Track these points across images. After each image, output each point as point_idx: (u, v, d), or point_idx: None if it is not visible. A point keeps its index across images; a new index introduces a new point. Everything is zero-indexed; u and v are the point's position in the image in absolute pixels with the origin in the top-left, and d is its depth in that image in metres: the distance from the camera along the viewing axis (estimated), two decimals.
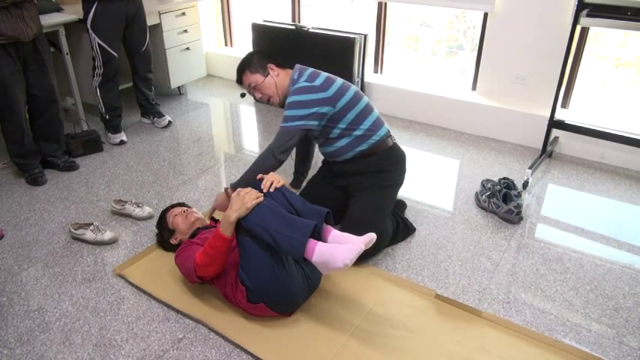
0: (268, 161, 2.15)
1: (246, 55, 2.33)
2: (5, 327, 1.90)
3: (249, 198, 1.75)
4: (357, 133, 2.21)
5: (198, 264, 1.82)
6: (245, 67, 2.27)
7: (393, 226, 2.31)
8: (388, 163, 2.28)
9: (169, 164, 3.11)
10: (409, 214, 2.55)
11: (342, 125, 2.20)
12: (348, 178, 2.31)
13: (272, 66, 2.26)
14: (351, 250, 1.66)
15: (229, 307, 1.94)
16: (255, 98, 2.33)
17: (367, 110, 2.23)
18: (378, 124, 2.25)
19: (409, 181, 2.76)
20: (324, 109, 2.15)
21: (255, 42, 3.92)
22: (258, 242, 1.74)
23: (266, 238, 1.71)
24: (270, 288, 1.77)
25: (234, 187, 2.13)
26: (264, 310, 1.84)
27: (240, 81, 2.32)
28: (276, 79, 2.25)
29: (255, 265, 1.76)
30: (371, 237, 1.74)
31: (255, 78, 2.25)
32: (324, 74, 2.23)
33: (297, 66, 2.28)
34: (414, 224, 2.46)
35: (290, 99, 2.16)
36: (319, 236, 1.77)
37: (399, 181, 2.34)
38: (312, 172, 2.61)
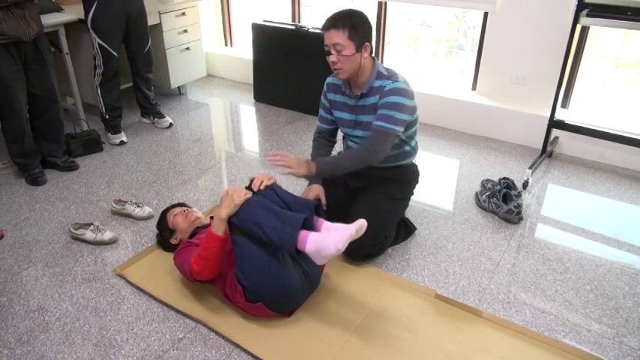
0: (368, 159, 2.09)
1: (358, 13, 2.05)
2: (5, 327, 1.90)
3: (237, 195, 1.77)
4: (407, 148, 2.26)
5: (193, 270, 1.83)
6: (348, 26, 1.99)
7: (395, 228, 2.32)
8: (412, 177, 2.36)
9: (169, 164, 3.11)
10: (409, 214, 2.55)
11: (401, 136, 2.18)
12: (368, 181, 2.30)
13: (368, 46, 2.06)
14: (342, 234, 1.68)
15: (229, 307, 1.94)
16: (326, 52, 2.06)
17: (417, 130, 2.28)
18: (417, 148, 2.34)
19: None
20: (409, 119, 2.13)
21: (255, 42, 3.92)
22: (253, 240, 1.75)
23: (258, 234, 1.72)
24: (267, 285, 1.78)
25: (322, 168, 2.09)
26: (263, 310, 1.84)
27: (329, 28, 2.01)
28: (363, 61, 2.07)
29: (250, 263, 1.76)
30: (361, 223, 1.75)
31: (348, 45, 2.00)
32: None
33: (376, 59, 2.16)
34: (414, 224, 2.46)
35: (394, 99, 2.06)
36: (311, 229, 1.78)
37: (411, 195, 2.42)
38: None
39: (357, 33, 2.01)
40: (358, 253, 2.17)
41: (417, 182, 2.41)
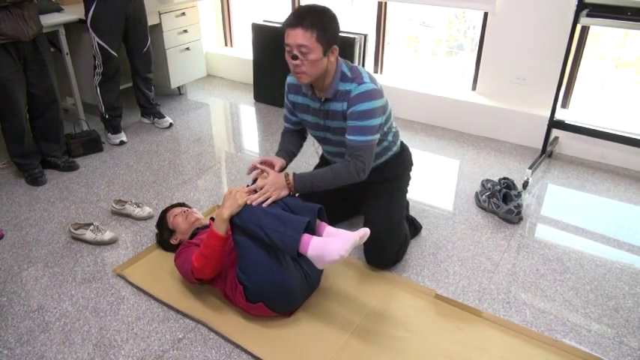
0: (352, 179, 1.97)
1: (327, 11, 1.84)
2: (5, 327, 1.90)
3: (240, 196, 1.78)
4: (385, 144, 2.14)
5: (195, 267, 1.83)
6: (317, 26, 1.78)
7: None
8: (403, 168, 2.31)
9: (169, 164, 3.11)
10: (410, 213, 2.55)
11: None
12: (362, 186, 2.19)
13: (335, 50, 1.88)
14: (346, 241, 1.67)
15: (229, 307, 1.94)
16: (289, 53, 1.84)
17: (391, 123, 2.16)
18: (397, 135, 2.22)
19: None
20: (382, 121, 1.99)
21: (255, 42, 3.92)
22: (255, 241, 1.75)
23: (260, 236, 1.72)
24: (268, 286, 1.78)
25: (297, 185, 1.92)
26: (263, 310, 1.84)
27: (294, 26, 1.79)
28: (329, 65, 1.89)
29: (252, 264, 1.77)
30: (365, 231, 1.74)
31: (315, 48, 1.79)
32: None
33: (339, 58, 1.95)
34: None
35: (363, 106, 1.89)
36: (313, 232, 1.78)
37: (408, 182, 2.36)
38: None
39: (326, 35, 1.80)
40: (388, 261, 2.16)
41: (411, 164, 2.32)
